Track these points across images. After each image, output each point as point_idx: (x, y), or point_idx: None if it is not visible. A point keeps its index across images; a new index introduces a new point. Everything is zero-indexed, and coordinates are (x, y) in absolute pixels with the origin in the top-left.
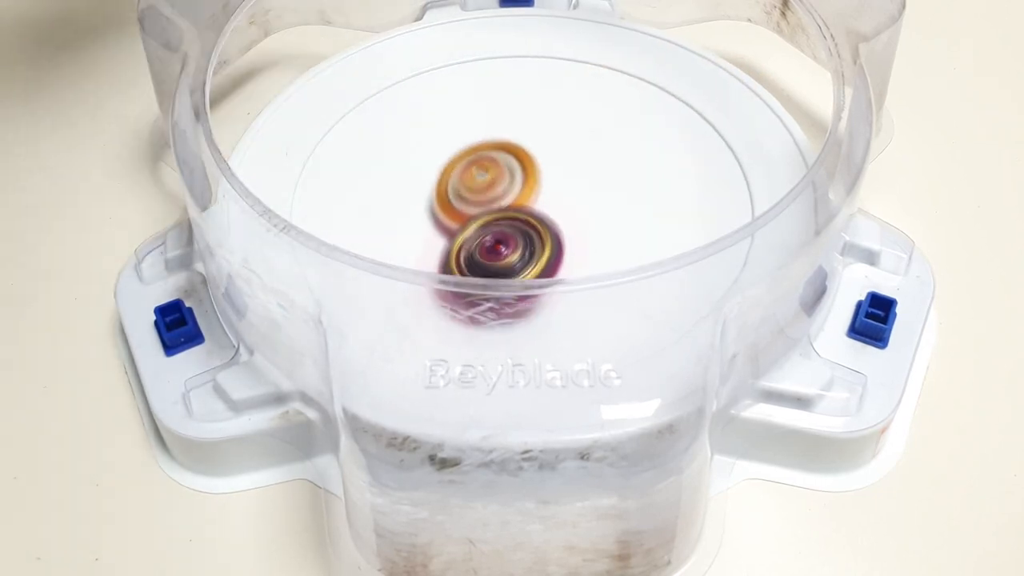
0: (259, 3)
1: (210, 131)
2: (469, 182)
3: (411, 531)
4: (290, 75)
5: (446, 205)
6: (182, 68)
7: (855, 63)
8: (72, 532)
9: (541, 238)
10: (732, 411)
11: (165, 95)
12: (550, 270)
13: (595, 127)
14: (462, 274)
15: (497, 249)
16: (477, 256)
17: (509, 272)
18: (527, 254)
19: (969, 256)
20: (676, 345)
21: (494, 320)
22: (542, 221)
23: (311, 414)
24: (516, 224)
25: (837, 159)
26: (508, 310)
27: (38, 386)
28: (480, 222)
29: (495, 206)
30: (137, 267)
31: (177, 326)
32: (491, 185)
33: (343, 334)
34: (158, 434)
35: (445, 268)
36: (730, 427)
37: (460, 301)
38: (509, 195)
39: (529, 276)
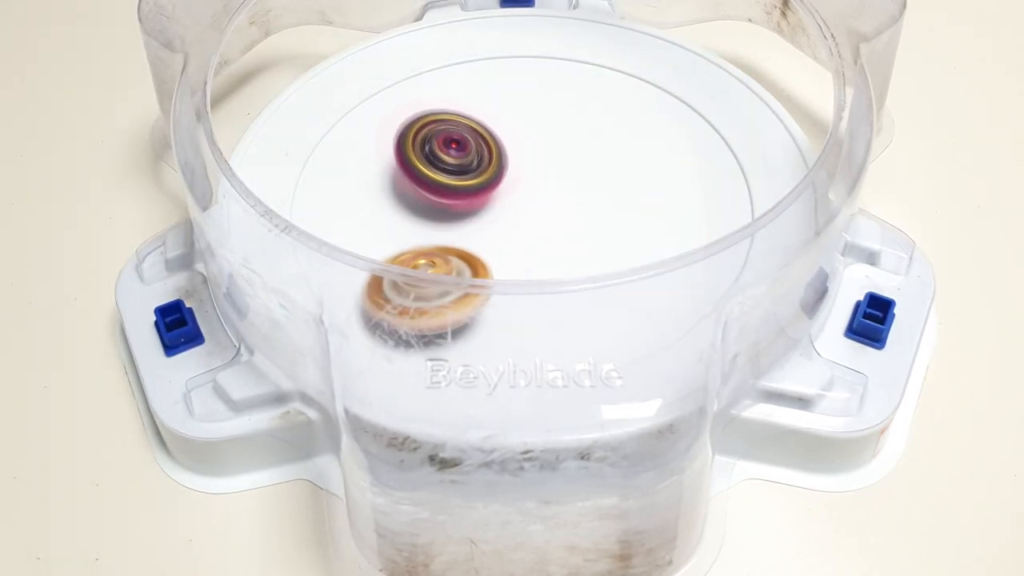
0: (259, 3)
1: (211, 131)
2: None
3: (412, 531)
4: (290, 75)
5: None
6: (182, 68)
7: (856, 63)
8: (72, 532)
9: (490, 152)
10: (733, 411)
11: (165, 95)
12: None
13: (595, 127)
14: (415, 156)
15: (453, 146)
16: (435, 145)
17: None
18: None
19: (969, 256)
20: (677, 345)
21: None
22: (491, 134)
23: (312, 414)
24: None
25: (837, 159)
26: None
27: (38, 386)
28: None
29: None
30: (138, 267)
31: (177, 326)
32: None
33: (344, 334)
34: (158, 434)
35: (401, 138)
36: (731, 427)
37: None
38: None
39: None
